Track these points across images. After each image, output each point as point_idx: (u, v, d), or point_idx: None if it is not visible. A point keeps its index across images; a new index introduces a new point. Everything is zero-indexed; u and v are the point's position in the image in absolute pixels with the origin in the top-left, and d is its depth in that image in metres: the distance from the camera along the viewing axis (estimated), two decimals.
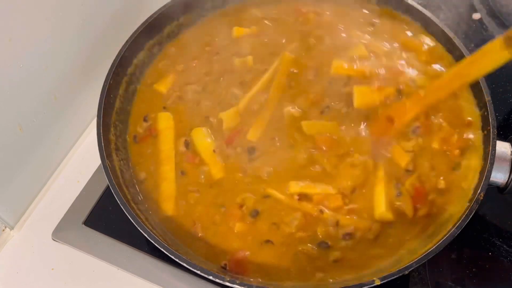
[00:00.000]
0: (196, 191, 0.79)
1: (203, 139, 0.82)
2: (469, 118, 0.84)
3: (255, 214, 0.77)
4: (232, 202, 0.78)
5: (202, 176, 0.80)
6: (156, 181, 0.81)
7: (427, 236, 0.75)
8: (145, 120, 0.86)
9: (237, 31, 0.94)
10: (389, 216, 0.75)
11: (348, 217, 0.76)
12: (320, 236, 0.75)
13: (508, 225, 0.87)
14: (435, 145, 0.80)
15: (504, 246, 0.85)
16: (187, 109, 0.87)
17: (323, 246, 0.75)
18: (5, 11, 0.72)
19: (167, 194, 0.79)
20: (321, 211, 0.76)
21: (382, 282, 0.65)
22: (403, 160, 0.78)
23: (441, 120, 0.82)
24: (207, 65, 0.91)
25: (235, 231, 0.76)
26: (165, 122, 0.85)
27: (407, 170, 0.78)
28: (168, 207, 0.78)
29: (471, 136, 0.81)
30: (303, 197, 0.77)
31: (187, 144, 0.83)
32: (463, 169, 0.79)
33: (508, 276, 0.82)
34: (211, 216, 0.77)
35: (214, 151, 0.81)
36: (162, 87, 0.89)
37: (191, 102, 0.87)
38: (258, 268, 0.73)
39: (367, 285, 0.65)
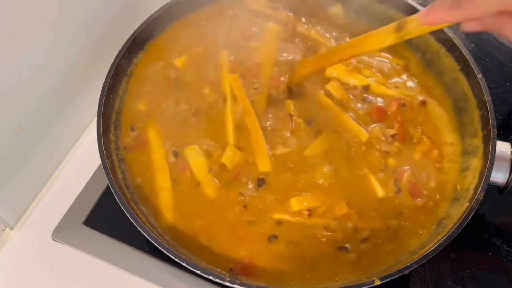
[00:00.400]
0: (192, 204, 0.79)
1: (196, 158, 0.82)
2: (450, 141, 0.86)
3: (274, 238, 0.76)
4: (237, 220, 0.77)
5: (197, 195, 0.79)
6: (153, 188, 0.80)
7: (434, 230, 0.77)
8: (132, 129, 0.86)
9: (179, 62, 0.93)
10: (388, 194, 0.79)
11: (362, 221, 0.77)
12: (340, 242, 0.76)
13: (508, 225, 0.88)
14: (417, 156, 0.84)
15: (504, 246, 0.85)
16: (170, 126, 0.86)
17: (342, 250, 0.75)
18: (5, 11, 0.72)
19: (167, 203, 0.79)
20: (337, 219, 0.77)
21: (382, 282, 0.65)
22: (363, 136, 0.84)
23: (422, 134, 0.86)
24: (173, 96, 0.89)
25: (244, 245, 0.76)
26: (152, 131, 0.85)
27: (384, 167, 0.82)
28: (169, 215, 0.78)
29: (450, 151, 0.85)
30: (312, 212, 0.78)
31: (176, 154, 0.82)
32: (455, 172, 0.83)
33: (508, 276, 0.82)
34: (215, 231, 0.77)
35: (209, 170, 0.80)
36: (141, 106, 0.88)
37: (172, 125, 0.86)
38: (267, 274, 0.73)
39: (367, 285, 0.65)
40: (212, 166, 0.81)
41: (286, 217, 0.77)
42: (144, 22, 0.90)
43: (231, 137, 0.83)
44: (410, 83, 0.93)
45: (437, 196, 0.80)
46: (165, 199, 0.79)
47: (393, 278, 0.66)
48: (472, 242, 0.85)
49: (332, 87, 0.89)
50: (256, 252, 0.75)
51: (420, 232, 0.77)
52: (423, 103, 0.90)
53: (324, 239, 0.76)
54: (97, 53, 0.96)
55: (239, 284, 0.65)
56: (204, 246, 0.75)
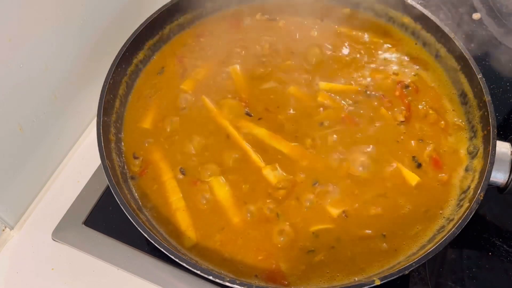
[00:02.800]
0: (212, 221, 0.77)
1: (223, 189, 0.80)
2: (452, 109, 0.89)
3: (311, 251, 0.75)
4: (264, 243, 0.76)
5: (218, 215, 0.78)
6: (168, 211, 0.78)
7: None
8: (134, 157, 0.84)
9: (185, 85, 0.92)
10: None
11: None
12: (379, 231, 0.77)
13: (508, 225, 0.88)
14: (427, 130, 0.87)
15: (504, 246, 0.85)
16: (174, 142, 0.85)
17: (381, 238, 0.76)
18: (5, 11, 0.72)
19: (186, 224, 0.77)
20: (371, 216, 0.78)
21: (382, 282, 0.65)
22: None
23: (428, 108, 0.89)
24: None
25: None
26: (156, 154, 0.84)
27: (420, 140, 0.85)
28: (192, 235, 0.76)
29: (455, 119, 0.88)
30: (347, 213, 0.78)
31: (183, 171, 0.82)
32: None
33: (508, 276, 0.82)
34: (238, 247, 0.75)
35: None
36: (146, 124, 0.87)
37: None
38: (296, 278, 0.73)
39: (367, 285, 0.65)
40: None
41: (326, 226, 0.77)
42: (144, 22, 0.90)
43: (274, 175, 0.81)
44: (406, 66, 0.95)
45: (453, 165, 0.83)
46: (183, 219, 0.78)
47: (393, 278, 0.66)
48: (472, 242, 0.85)
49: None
50: (289, 263, 0.74)
51: (440, 212, 0.78)
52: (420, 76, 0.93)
53: (363, 234, 0.76)
54: (97, 53, 0.96)
55: (239, 284, 0.65)
56: (227, 258, 0.74)
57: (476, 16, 1.18)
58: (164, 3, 0.93)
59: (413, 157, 0.83)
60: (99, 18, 0.94)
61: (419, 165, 0.82)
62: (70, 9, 0.85)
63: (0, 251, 0.86)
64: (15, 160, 0.84)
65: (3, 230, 0.86)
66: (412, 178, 0.80)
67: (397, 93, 0.90)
